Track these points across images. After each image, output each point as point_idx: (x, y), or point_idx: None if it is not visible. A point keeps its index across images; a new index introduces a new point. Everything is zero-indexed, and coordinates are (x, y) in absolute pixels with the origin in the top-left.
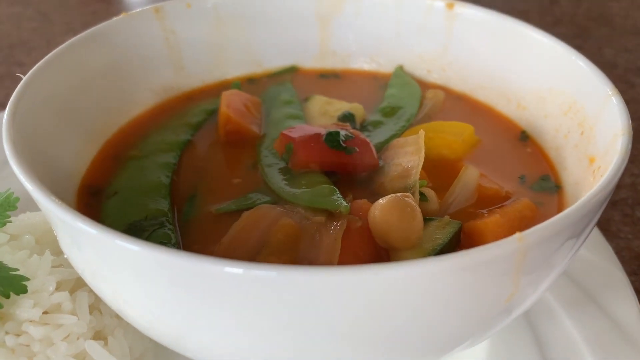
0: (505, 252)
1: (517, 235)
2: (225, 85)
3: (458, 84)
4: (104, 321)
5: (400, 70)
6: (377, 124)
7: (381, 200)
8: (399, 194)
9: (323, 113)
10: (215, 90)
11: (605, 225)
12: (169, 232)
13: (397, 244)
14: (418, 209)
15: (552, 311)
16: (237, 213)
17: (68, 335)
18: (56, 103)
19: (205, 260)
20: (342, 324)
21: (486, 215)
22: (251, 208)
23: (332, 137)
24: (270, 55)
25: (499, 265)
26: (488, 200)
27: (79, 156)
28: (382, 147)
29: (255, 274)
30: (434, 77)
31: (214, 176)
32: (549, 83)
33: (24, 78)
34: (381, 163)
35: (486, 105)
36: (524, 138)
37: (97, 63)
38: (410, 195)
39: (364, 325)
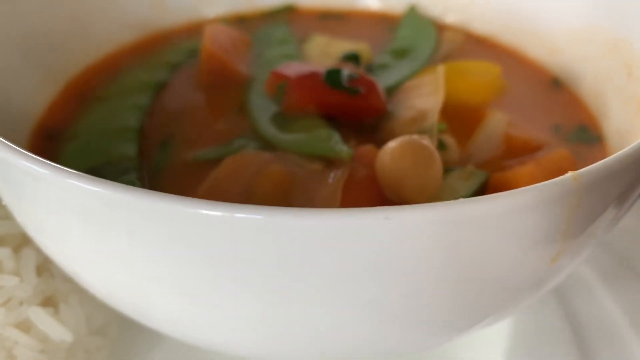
0: (556, 194)
1: (571, 174)
2: (211, 24)
3: (479, 26)
4: (55, 285)
5: (412, 11)
6: (385, 67)
7: (391, 143)
8: (413, 136)
9: (323, 54)
10: (199, 29)
11: None
12: (135, 179)
13: (411, 196)
14: (436, 153)
15: (586, 283)
16: (218, 161)
17: (9, 300)
18: (12, 33)
19: (176, 201)
20: (346, 285)
21: (515, 165)
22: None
23: (333, 75)
24: None
25: (547, 212)
26: (517, 151)
27: (36, 94)
28: (391, 91)
29: (238, 219)
30: (451, 18)
31: (192, 121)
32: (588, 20)
33: None
34: (390, 107)
35: (512, 49)
36: (556, 85)
37: None
38: (426, 137)
39: (372, 287)
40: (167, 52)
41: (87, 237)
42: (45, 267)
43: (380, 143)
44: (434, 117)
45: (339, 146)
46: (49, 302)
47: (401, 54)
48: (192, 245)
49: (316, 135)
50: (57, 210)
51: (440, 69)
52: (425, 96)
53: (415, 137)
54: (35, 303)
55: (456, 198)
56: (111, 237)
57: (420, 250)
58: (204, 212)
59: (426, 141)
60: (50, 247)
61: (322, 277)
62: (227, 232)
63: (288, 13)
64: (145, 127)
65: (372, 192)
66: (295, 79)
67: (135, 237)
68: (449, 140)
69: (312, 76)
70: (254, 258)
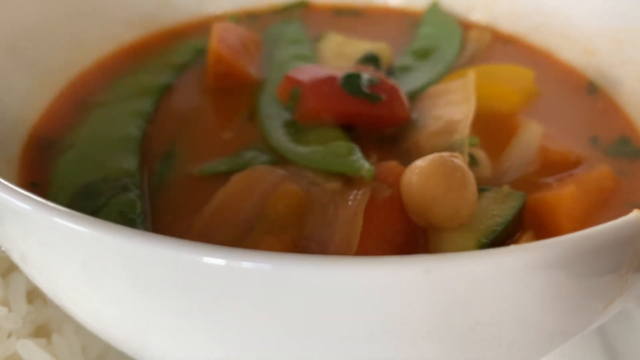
0: (622, 237)
1: (637, 213)
2: (219, 21)
3: (506, 24)
4: (47, 313)
5: (434, 7)
6: (407, 69)
7: (420, 162)
8: (444, 154)
9: (339, 55)
10: (206, 26)
11: None
12: (134, 197)
13: (441, 222)
14: (471, 174)
15: (626, 311)
16: (226, 176)
17: None
18: (2, 33)
19: (170, 245)
20: (369, 342)
21: (555, 185)
22: (244, 170)
23: (352, 80)
24: None
25: (611, 256)
26: (554, 167)
27: (29, 101)
28: (414, 96)
29: (242, 268)
30: (477, 16)
31: (198, 129)
32: (627, 20)
33: None
34: (414, 116)
35: (543, 50)
36: (592, 90)
37: None
38: (459, 155)
39: (401, 342)
40: (171, 52)
41: (75, 274)
42: (37, 293)
43: (403, 156)
44: (464, 130)
45: (360, 163)
46: (41, 332)
47: (424, 54)
48: (190, 293)
49: (334, 148)
50: (42, 244)
51: (471, 75)
52: (455, 105)
53: (447, 155)
54: (26, 334)
55: (492, 225)
56: (101, 277)
57: (456, 305)
58: (205, 260)
59: (459, 160)
60: (36, 278)
61: (343, 339)
62: (229, 283)
63: (301, 9)
64: (147, 136)
65: (397, 216)
66: (309, 84)
67: (127, 280)
68: (480, 154)
69: (328, 81)
70: (256, 312)
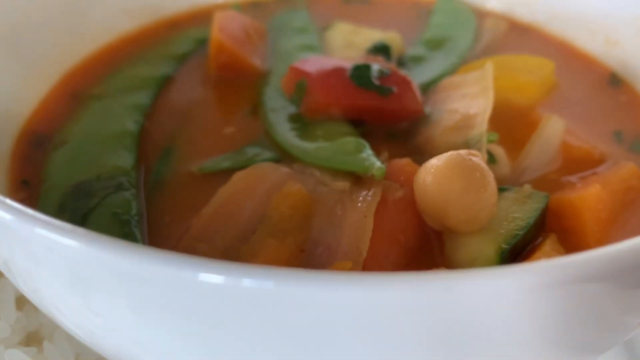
0: None
1: None
2: (221, 9)
3: (523, 12)
4: (38, 319)
5: None
6: (419, 59)
7: (435, 161)
8: (461, 151)
9: (348, 44)
10: (208, 15)
11: None
12: (129, 197)
13: (458, 226)
14: (490, 174)
15: None
16: (227, 174)
17: None
18: None
19: (161, 261)
20: None
21: (578, 185)
22: (246, 167)
23: (361, 71)
24: None
25: None
26: (576, 164)
27: (22, 93)
28: (427, 88)
29: (240, 286)
30: (492, 4)
31: (199, 123)
32: None
33: None
34: (427, 109)
35: (562, 40)
36: (615, 82)
37: None
38: (477, 154)
39: None
40: (171, 42)
41: (62, 285)
42: (27, 298)
43: (416, 152)
44: (482, 125)
45: (370, 160)
46: (31, 340)
47: (437, 44)
48: (184, 311)
49: (342, 145)
50: (25, 255)
51: (489, 67)
52: (471, 98)
53: (464, 153)
54: (15, 343)
55: (513, 229)
56: (89, 290)
57: (480, 326)
58: (201, 277)
59: (478, 159)
60: (22, 287)
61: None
62: (227, 301)
63: None
64: (145, 132)
65: (410, 218)
66: (316, 76)
67: (116, 295)
68: (499, 151)
69: (336, 73)
70: (258, 331)
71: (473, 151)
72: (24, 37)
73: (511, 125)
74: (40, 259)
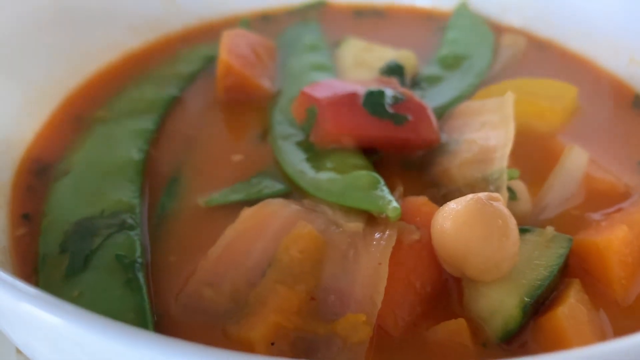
0: None
1: None
2: (230, 24)
3: (544, 28)
4: None
5: (463, 8)
6: (434, 80)
7: (454, 205)
8: (481, 195)
9: (360, 63)
10: (217, 30)
11: None
12: (133, 237)
13: (478, 275)
14: (513, 220)
15: None
16: (235, 207)
17: None
18: None
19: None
20: None
21: (603, 224)
22: (255, 201)
23: (375, 98)
24: None
25: None
26: (600, 199)
27: (23, 118)
28: (444, 112)
29: None
30: (510, 18)
31: (206, 149)
32: None
33: None
34: (444, 137)
35: (583, 58)
36: (639, 105)
37: None
38: (499, 197)
39: None
40: (178, 60)
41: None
42: None
43: (432, 185)
44: (502, 161)
45: (385, 200)
46: None
47: (453, 63)
48: None
49: (355, 179)
50: (12, 325)
51: (510, 96)
52: (490, 128)
53: (485, 197)
54: None
55: (536, 278)
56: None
57: None
58: None
59: (500, 204)
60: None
61: None
62: None
63: (319, 9)
64: (150, 160)
65: (427, 263)
66: (327, 103)
67: None
68: (520, 187)
69: (347, 100)
70: None
71: (494, 194)
72: (25, 57)
73: (532, 153)
74: (29, 331)
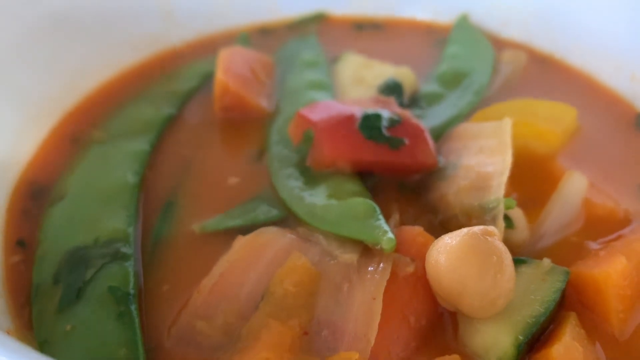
0: None
1: None
2: (228, 38)
3: (544, 42)
4: None
5: (464, 21)
6: (433, 98)
7: (448, 239)
8: (476, 230)
9: (358, 80)
10: (216, 44)
11: None
12: (127, 268)
13: (473, 312)
14: (509, 257)
15: None
16: (231, 234)
17: None
18: None
19: None
20: None
21: (601, 254)
22: (250, 227)
23: (371, 122)
24: None
25: None
26: (599, 226)
27: (19, 139)
28: (441, 132)
29: None
30: (511, 32)
31: (202, 172)
32: None
33: None
34: (441, 161)
35: (584, 74)
36: None
37: (50, 5)
38: (495, 231)
39: None
40: (176, 77)
41: None
42: None
43: (429, 210)
44: (499, 189)
45: (380, 230)
46: None
47: (453, 80)
48: None
49: (350, 207)
50: None
51: (507, 123)
52: (488, 153)
53: (480, 232)
54: None
55: (531, 315)
56: None
57: None
58: None
59: (495, 239)
60: None
61: None
62: None
63: (318, 22)
64: (146, 181)
65: (421, 296)
66: (323, 127)
67: None
68: (517, 215)
69: (344, 124)
70: None
71: (489, 228)
72: (21, 75)
73: (530, 175)
74: None
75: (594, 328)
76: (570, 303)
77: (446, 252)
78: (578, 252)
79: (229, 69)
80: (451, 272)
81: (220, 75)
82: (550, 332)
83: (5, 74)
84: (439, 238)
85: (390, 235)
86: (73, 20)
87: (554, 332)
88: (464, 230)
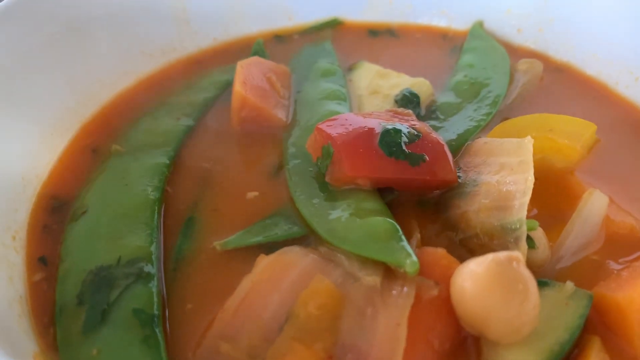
0: None
1: None
2: (244, 45)
3: (559, 51)
4: None
5: (479, 28)
6: (450, 108)
7: (474, 266)
8: (501, 256)
9: (374, 90)
10: (232, 51)
11: None
12: (151, 289)
13: (498, 338)
14: (534, 284)
15: None
16: (252, 250)
17: None
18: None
19: None
20: None
21: (624, 274)
22: (271, 244)
23: (391, 137)
24: (305, 3)
25: None
26: (620, 244)
27: (38, 153)
28: (460, 144)
29: None
30: (526, 40)
31: (221, 186)
32: None
33: None
34: (460, 175)
35: (601, 84)
36: None
37: (66, 15)
38: (519, 257)
39: None
40: (194, 87)
41: None
42: None
43: (449, 227)
44: (521, 211)
45: (403, 252)
46: None
47: (469, 91)
48: None
49: (371, 227)
50: None
51: (529, 142)
52: (509, 171)
53: (505, 258)
54: None
55: (556, 341)
56: None
57: None
58: None
59: (521, 265)
60: None
61: None
62: None
63: (332, 28)
64: (166, 196)
65: (445, 320)
66: (342, 143)
67: None
68: (538, 236)
69: (363, 139)
70: None
71: (514, 254)
72: (38, 87)
73: (549, 191)
74: None
75: (618, 350)
76: (593, 325)
77: (472, 279)
78: (599, 271)
79: (247, 81)
80: (477, 300)
81: (238, 87)
82: (575, 357)
83: (23, 85)
84: (464, 264)
85: (414, 258)
86: (90, 31)
87: (579, 358)
88: (489, 256)
